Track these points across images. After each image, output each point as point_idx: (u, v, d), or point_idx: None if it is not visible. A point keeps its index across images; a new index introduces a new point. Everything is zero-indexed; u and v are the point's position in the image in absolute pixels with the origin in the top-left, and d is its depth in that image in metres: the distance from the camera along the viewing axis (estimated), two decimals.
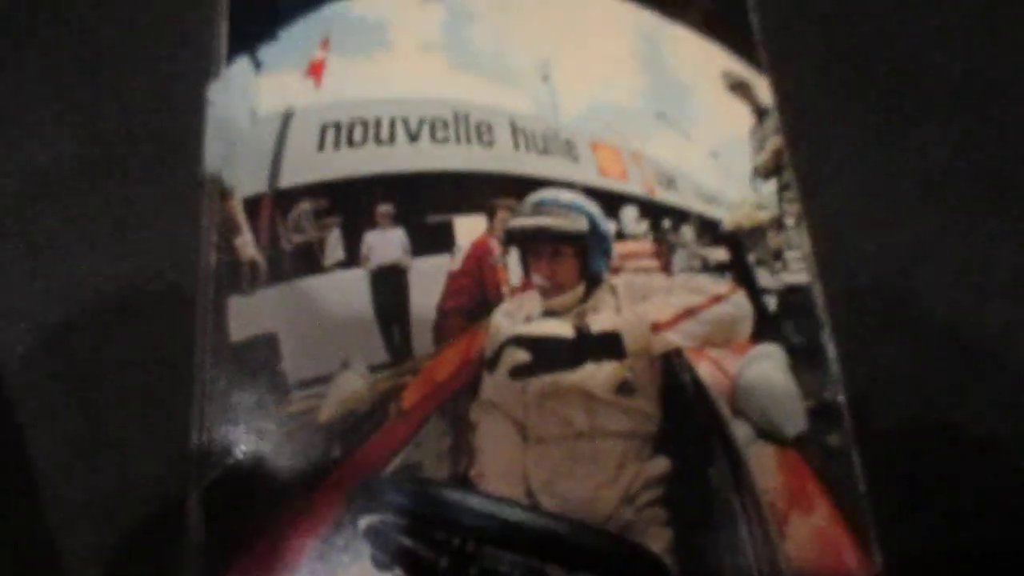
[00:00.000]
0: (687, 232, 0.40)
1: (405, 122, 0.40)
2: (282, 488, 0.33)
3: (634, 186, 0.41)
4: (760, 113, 0.43)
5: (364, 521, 0.33)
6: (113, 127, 0.40)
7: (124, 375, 0.36)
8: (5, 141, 0.41)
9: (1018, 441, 0.41)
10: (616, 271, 0.39)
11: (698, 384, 0.37)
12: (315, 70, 0.40)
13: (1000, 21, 0.49)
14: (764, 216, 0.41)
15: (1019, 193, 0.46)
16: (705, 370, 0.37)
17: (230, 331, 0.35)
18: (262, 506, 0.33)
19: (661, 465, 0.36)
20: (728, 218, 0.41)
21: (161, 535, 0.33)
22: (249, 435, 0.34)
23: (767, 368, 0.38)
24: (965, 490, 0.40)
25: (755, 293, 0.39)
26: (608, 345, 0.37)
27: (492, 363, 0.36)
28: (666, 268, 0.39)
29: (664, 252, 0.40)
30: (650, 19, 0.44)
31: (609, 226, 0.40)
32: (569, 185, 0.40)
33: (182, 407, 0.35)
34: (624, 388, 0.37)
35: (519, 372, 0.36)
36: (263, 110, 0.39)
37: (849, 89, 0.46)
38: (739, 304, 0.39)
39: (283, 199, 0.38)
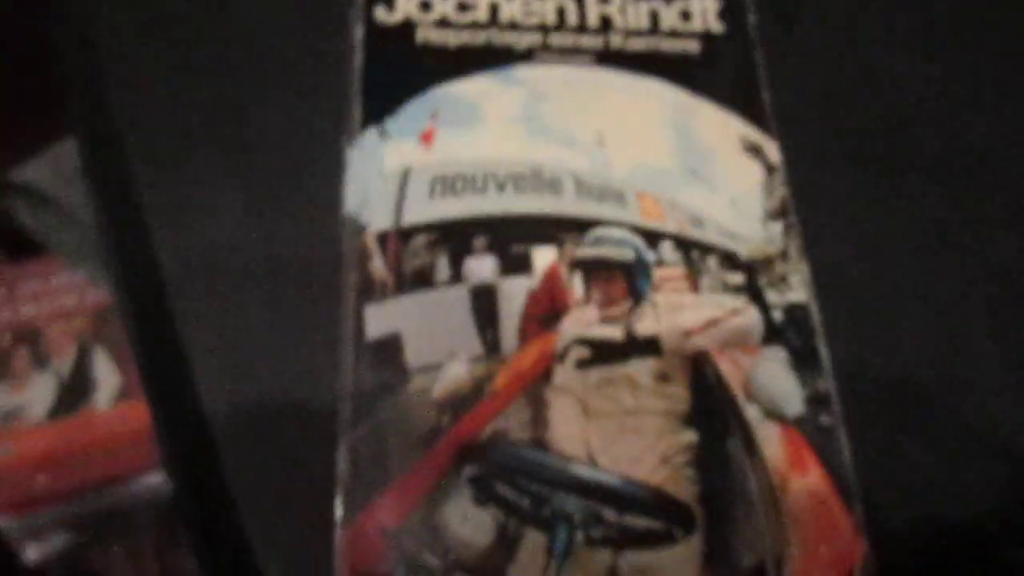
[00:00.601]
0: (712, 262, 0.45)
1: (495, 176, 0.45)
2: (407, 445, 0.39)
3: (670, 226, 0.45)
4: (769, 169, 0.48)
5: (468, 471, 0.39)
6: (272, 184, 0.48)
7: (286, 357, 0.44)
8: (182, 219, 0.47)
9: (971, 447, 0.45)
10: (656, 290, 0.44)
11: (719, 377, 0.42)
12: (427, 137, 0.46)
13: (979, 101, 0.53)
14: (772, 249, 0.46)
15: (986, 240, 0.50)
16: (725, 366, 0.42)
17: (367, 331, 0.42)
18: (393, 458, 0.39)
19: (690, 436, 0.40)
20: (744, 251, 0.45)
21: (313, 476, 0.40)
22: (383, 406, 0.40)
23: (773, 366, 0.43)
24: (939, 463, 0.44)
25: (765, 308, 0.44)
26: (650, 345, 0.42)
27: (561, 357, 0.42)
28: (695, 289, 0.44)
29: (693, 277, 0.44)
30: (682, 96, 0.49)
31: (651, 256, 0.44)
32: (619, 224, 0.45)
33: (331, 391, 0.41)
34: (662, 377, 0.42)
35: (582, 364, 0.42)
36: (388, 168, 0.45)
37: (843, 150, 0.51)
38: (752, 317, 0.44)
39: (404, 234, 0.44)
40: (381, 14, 0.50)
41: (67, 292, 0.75)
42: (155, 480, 0.70)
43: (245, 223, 0.47)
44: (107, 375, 0.73)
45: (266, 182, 0.48)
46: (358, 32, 0.49)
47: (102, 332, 0.74)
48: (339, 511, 0.39)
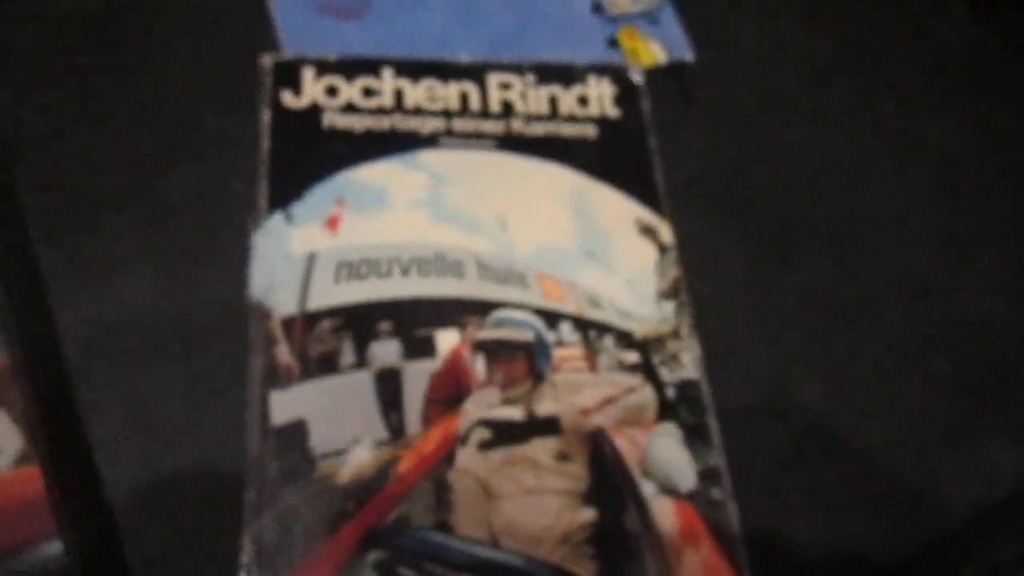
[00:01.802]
0: (608, 341, 0.46)
1: (399, 260, 0.46)
2: (312, 531, 0.39)
3: (569, 306, 0.46)
4: (663, 250, 0.49)
5: (373, 556, 0.39)
6: (180, 261, 0.47)
7: (191, 440, 0.43)
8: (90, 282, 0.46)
9: (858, 504, 0.46)
10: (556, 370, 0.45)
11: (616, 454, 0.43)
12: (332, 223, 0.46)
13: (859, 179, 0.56)
14: (665, 328, 0.47)
15: (874, 310, 0.52)
16: (622, 443, 0.43)
17: (272, 417, 0.41)
18: (298, 544, 0.39)
19: (589, 514, 0.41)
20: (639, 330, 0.47)
21: (218, 561, 0.39)
22: (287, 492, 0.40)
23: (667, 442, 0.44)
24: (826, 522, 0.45)
25: (658, 386, 0.45)
26: (550, 425, 0.43)
27: (464, 439, 0.42)
28: (593, 368, 0.45)
29: (591, 356, 0.45)
30: (580, 179, 0.51)
31: (550, 337, 0.45)
32: (521, 306, 0.46)
33: (236, 475, 0.41)
34: (562, 457, 0.42)
35: (484, 446, 0.42)
36: (294, 252, 0.45)
37: (734, 231, 0.53)
38: (646, 395, 0.45)
39: (310, 319, 0.44)
40: (288, 98, 0.50)
41: None
42: (57, 549, 0.68)
43: (153, 297, 0.47)
44: (8, 437, 0.71)
45: (177, 257, 0.48)
46: (265, 116, 0.50)
47: (3, 393, 0.72)
48: None
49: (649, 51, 0.58)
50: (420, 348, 0.44)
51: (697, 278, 0.49)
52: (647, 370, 0.46)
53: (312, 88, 0.51)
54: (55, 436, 0.43)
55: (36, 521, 0.69)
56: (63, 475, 0.42)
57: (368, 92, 0.51)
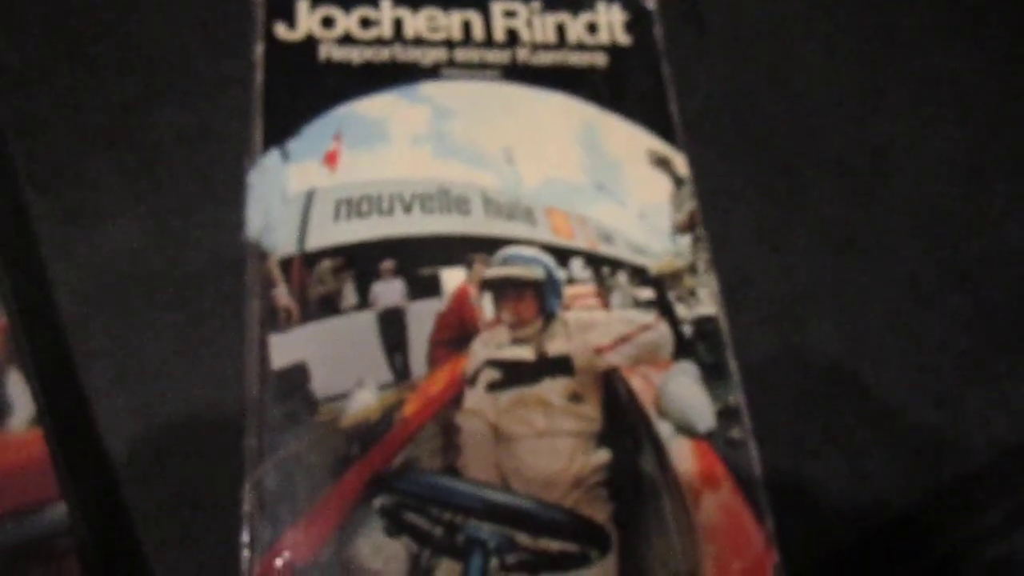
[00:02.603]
0: (622, 277, 0.45)
1: (401, 197, 0.45)
2: (315, 478, 0.38)
3: (580, 242, 0.45)
4: (678, 182, 0.48)
5: (378, 501, 0.38)
6: (171, 205, 0.46)
7: (188, 388, 0.42)
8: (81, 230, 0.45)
9: (878, 446, 0.45)
10: (567, 308, 0.44)
11: (631, 394, 0.42)
12: (330, 159, 0.45)
13: (878, 101, 0.54)
14: (681, 263, 0.46)
15: (891, 245, 0.50)
16: (636, 383, 0.42)
17: (272, 361, 0.40)
18: (301, 492, 0.38)
19: (603, 456, 0.40)
20: (653, 266, 0.45)
21: (219, 512, 0.39)
22: (288, 438, 0.39)
23: (684, 380, 0.43)
24: (846, 463, 0.45)
25: (674, 323, 0.44)
26: (561, 365, 0.42)
27: (472, 381, 0.41)
28: (606, 305, 0.44)
29: (604, 293, 0.44)
30: (590, 110, 0.49)
31: (561, 274, 0.44)
32: (529, 243, 0.44)
33: (236, 423, 0.40)
34: (574, 397, 0.41)
35: (493, 387, 0.41)
36: (291, 191, 0.44)
37: (746, 162, 0.51)
38: (662, 332, 0.44)
39: (309, 259, 0.43)
40: (282, 31, 0.48)
41: None
42: (63, 510, 0.68)
43: (146, 242, 0.45)
44: (21, 398, 0.70)
45: (169, 202, 0.46)
46: (258, 49, 0.48)
47: (15, 353, 0.71)
48: (245, 548, 0.38)
49: None
50: (425, 288, 0.43)
51: (710, 214, 0.48)
52: (663, 307, 0.45)
53: (307, 19, 0.49)
54: (55, 401, 0.42)
55: (48, 481, 0.68)
56: (65, 440, 0.41)
57: (366, 22, 0.49)
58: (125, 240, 0.45)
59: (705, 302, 0.45)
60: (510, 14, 0.51)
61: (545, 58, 0.50)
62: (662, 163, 0.48)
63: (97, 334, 0.43)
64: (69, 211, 0.45)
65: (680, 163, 0.49)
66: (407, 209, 0.45)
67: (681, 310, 0.45)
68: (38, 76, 0.48)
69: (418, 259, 0.44)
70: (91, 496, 0.41)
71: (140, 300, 0.44)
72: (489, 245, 0.44)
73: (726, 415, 0.43)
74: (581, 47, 0.51)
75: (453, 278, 0.43)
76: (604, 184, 0.47)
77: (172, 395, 0.42)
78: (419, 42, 0.49)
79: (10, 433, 0.71)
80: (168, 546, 0.40)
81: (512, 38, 0.50)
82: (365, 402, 0.40)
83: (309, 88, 0.47)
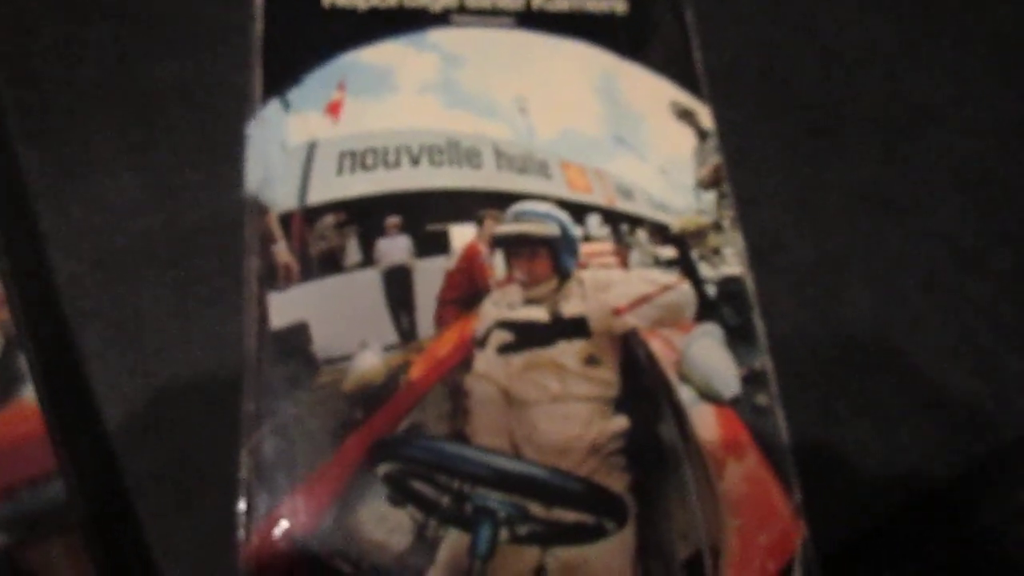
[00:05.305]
0: (641, 235, 0.43)
1: (408, 150, 0.43)
2: (315, 443, 0.37)
3: (597, 198, 0.43)
4: (702, 136, 0.46)
5: (382, 469, 0.36)
6: (168, 160, 0.44)
7: (185, 349, 0.40)
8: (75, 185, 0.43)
9: (912, 415, 0.44)
10: (583, 267, 0.42)
11: (651, 357, 0.40)
12: (333, 109, 0.43)
13: (915, 55, 0.52)
14: (705, 220, 0.44)
15: (929, 205, 0.49)
16: (656, 346, 0.40)
17: (271, 321, 0.39)
18: (300, 458, 0.36)
19: (621, 423, 0.39)
20: (675, 222, 0.44)
21: (216, 478, 0.37)
22: (288, 402, 0.37)
23: (707, 343, 0.41)
24: (875, 430, 0.43)
25: (698, 283, 0.42)
26: (577, 326, 0.40)
27: (482, 342, 0.39)
28: (624, 264, 0.42)
29: (622, 251, 0.43)
30: (608, 59, 0.47)
31: (576, 231, 0.42)
32: (543, 198, 0.43)
33: (234, 385, 0.38)
34: (590, 361, 0.40)
35: (505, 349, 0.39)
36: (292, 142, 0.42)
37: (779, 114, 0.49)
38: (684, 292, 0.42)
39: (310, 214, 0.41)
40: None
41: None
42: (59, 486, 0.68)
43: (141, 198, 0.43)
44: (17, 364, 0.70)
45: (166, 156, 0.44)
46: None
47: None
48: (242, 516, 0.36)
49: None
50: (432, 244, 0.41)
51: (735, 170, 0.46)
52: (685, 265, 0.43)
53: None
54: (50, 369, 0.40)
55: (45, 454, 0.68)
56: (60, 407, 0.40)
57: None
58: (120, 196, 0.43)
59: (730, 261, 0.44)
60: None
61: (561, 3, 0.48)
62: (686, 115, 0.46)
63: (90, 291, 0.41)
64: (63, 166, 0.44)
65: (705, 115, 0.47)
66: (414, 162, 0.43)
67: (705, 269, 0.43)
68: (30, 25, 0.46)
69: (426, 214, 0.42)
70: (88, 468, 0.39)
71: (136, 258, 0.42)
72: (501, 200, 0.43)
73: (752, 380, 0.41)
74: None
75: (462, 234, 0.42)
76: (623, 137, 0.45)
77: (169, 356, 0.41)
78: None
79: (24, 403, 0.70)
80: (165, 514, 0.39)
81: None
82: (369, 364, 0.39)
83: (312, 35, 0.45)
